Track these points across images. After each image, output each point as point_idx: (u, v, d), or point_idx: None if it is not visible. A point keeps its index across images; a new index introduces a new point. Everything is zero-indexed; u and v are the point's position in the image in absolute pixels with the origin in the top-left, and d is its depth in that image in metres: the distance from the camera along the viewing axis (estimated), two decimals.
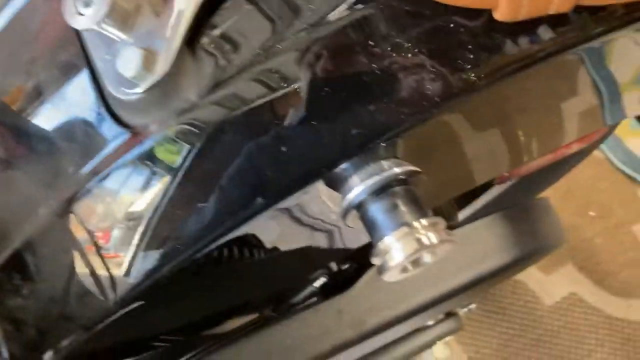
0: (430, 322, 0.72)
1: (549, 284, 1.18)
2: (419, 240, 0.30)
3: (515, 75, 0.30)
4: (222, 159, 0.31)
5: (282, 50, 0.30)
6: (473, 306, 0.78)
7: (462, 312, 0.75)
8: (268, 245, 0.38)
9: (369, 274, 0.52)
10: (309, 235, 0.39)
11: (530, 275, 1.18)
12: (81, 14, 0.30)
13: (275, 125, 0.31)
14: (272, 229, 0.37)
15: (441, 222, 0.32)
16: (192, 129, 0.30)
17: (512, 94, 0.35)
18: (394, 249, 0.30)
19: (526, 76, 0.31)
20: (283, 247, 0.40)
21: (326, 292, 0.52)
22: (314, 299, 0.52)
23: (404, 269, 0.32)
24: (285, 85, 0.30)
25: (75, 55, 0.32)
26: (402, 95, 0.31)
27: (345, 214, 0.33)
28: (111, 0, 0.29)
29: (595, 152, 1.41)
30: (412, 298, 0.55)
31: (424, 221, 0.31)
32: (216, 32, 0.30)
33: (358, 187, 0.32)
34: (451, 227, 0.68)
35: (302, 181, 0.32)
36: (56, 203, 0.33)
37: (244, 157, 0.30)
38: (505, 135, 0.40)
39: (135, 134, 0.31)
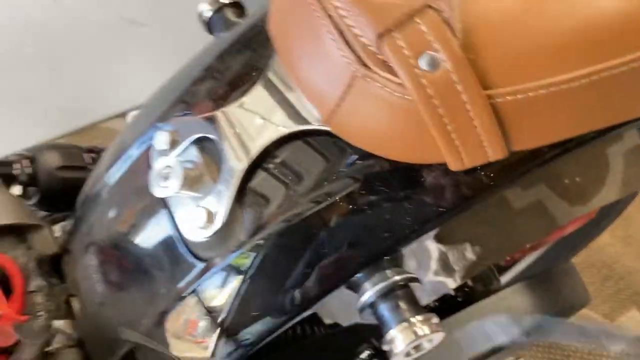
0: None
1: None
2: (415, 333, 0.41)
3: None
4: (267, 276, 0.43)
5: (302, 202, 0.42)
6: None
7: None
8: (323, 325, 0.50)
9: None
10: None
11: (595, 323, 1.21)
12: (163, 187, 0.43)
13: (304, 251, 0.43)
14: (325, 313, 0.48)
15: (433, 317, 0.42)
16: (243, 260, 0.43)
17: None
18: (397, 339, 0.41)
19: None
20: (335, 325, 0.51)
21: None
22: None
23: (408, 354, 0.42)
24: (306, 224, 0.42)
25: (162, 210, 0.46)
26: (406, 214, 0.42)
27: (361, 310, 0.44)
28: (182, 175, 0.43)
29: None
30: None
31: (419, 317, 0.41)
32: (253, 193, 0.43)
33: (369, 291, 0.43)
34: (493, 290, 0.76)
35: (332, 286, 0.43)
36: (154, 316, 0.46)
37: (289, 270, 0.42)
38: (537, 207, 0.50)
39: (207, 264, 0.44)
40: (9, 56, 1.47)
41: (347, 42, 0.36)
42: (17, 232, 0.58)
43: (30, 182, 0.63)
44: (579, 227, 0.85)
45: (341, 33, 0.36)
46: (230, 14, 0.58)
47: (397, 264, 0.44)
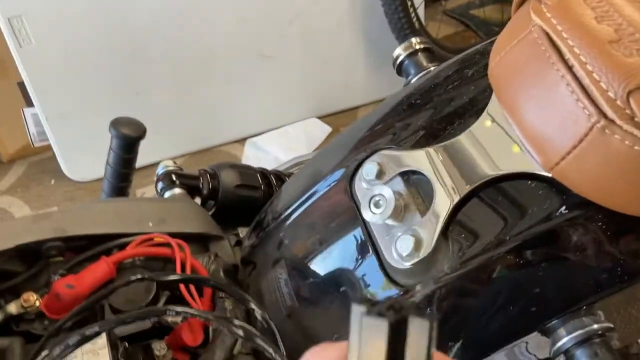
0: None
1: None
2: None
3: None
4: (465, 310, 0.45)
5: (510, 241, 0.43)
6: None
7: None
8: None
9: None
10: None
11: None
12: (374, 213, 0.47)
13: (505, 290, 0.44)
14: None
15: None
16: (445, 289, 0.45)
17: None
18: None
19: None
20: None
21: None
22: None
23: None
24: (515, 263, 0.44)
25: (362, 236, 0.49)
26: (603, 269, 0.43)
27: (555, 356, 0.44)
28: (394, 204, 0.46)
29: None
30: None
31: None
32: (459, 228, 0.45)
33: (565, 338, 0.44)
34: None
35: (530, 329, 0.44)
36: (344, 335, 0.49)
37: (487, 307, 0.44)
38: None
39: (405, 291, 0.46)
40: (144, 79, 1.59)
41: (588, 95, 0.38)
42: (202, 242, 0.62)
43: (210, 196, 0.69)
44: None
45: (581, 86, 0.38)
46: (423, 59, 0.61)
47: (592, 312, 0.45)
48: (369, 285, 0.49)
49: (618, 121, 0.37)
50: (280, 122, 1.76)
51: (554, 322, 0.44)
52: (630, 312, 0.51)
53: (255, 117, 1.76)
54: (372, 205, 0.47)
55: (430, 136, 0.49)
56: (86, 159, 1.64)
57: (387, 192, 0.46)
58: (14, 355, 0.47)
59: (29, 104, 1.58)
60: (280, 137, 1.74)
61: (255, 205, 0.70)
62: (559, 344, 0.44)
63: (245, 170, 0.71)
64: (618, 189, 0.39)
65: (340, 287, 0.50)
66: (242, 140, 1.79)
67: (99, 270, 0.53)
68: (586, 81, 0.38)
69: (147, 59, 1.57)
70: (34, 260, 0.56)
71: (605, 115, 0.37)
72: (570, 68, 0.39)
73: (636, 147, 0.37)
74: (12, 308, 0.52)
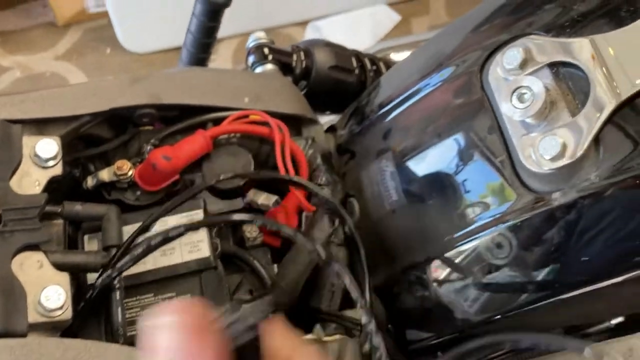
0: None
1: None
2: None
3: None
4: (607, 226, 0.40)
5: None
6: None
7: None
8: None
9: None
10: None
11: None
12: (516, 107, 0.41)
13: None
14: None
15: None
16: (588, 201, 0.40)
17: None
18: None
19: None
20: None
21: (621, 330, 0.58)
22: (608, 333, 0.59)
23: None
24: None
25: (493, 131, 0.43)
26: None
27: None
28: (544, 99, 0.40)
29: None
30: None
31: None
32: (614, 134, 0.39)
33: None
34: None
35: None
36: (461, 235, 0.45)
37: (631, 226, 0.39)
38: None
39: (538, 198, 0.41)
40: None
41: None
42: (295, 124, 0.58)
43: (303, 75, 0.63)
44: None
45: None
46: None
47: None
48: (495, 189, 0.44)
49: None
50: (347, 5, 1.65)
51: None
52: None
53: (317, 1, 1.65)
54: (514, 99, 0.41)
55: (590, 24, 0.42)
56: (144, 29, 1.58)
57: (536, 85, 0.40)
58: (111, 222, 0.45)
59: None
60: (344, 23, 1.64)
61: (348, 90, 0.65)
62: None
63: (341, 51, 0.65)
64: None
65: (458, 187, 0.46)
66: (304, 24, 1.69)
67: (195, 143, 0.49)
68: None
69: None
70: (123, 127, 0.53)
71: None
72: None
73: None
74: (105, 175, 0.49)
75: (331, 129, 0.61)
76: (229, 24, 1.65)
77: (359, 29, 1.62)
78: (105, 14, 1.59)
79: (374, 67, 0.67)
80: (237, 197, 0.52)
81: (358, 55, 0.67)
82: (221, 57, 1.68)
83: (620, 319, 0.59)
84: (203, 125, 0.52)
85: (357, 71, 0.65)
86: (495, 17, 0.49)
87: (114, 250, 0.44)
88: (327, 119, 0.70)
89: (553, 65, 0.42)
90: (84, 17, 1.69)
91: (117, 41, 1.63)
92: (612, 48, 0.40)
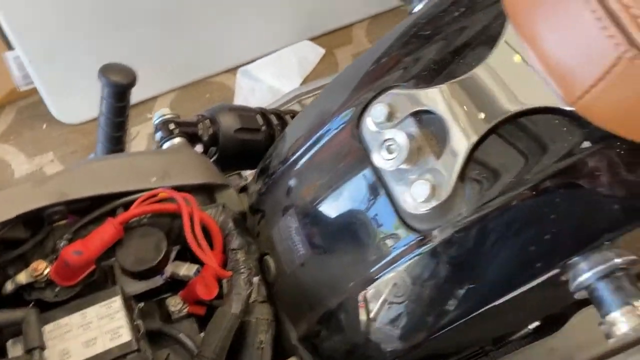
0: None
1: None
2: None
3: None
4: (484, 252, 0.44)
5: (531, 179, 0.42)
6: None
7: None
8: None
9: (577, 317, 0.62)
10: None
11: None
12: (386, 159, 0.44)
13: (526, 229, 0.43)
14: None
15: None
16: (464, 233, 0.44)
17: None
18: (620, 322, 0.41)
19: None
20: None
21: (540, 333, 0.62)
22: (529, 338, 0.63)
23: (626, 335, 0.42)
24: (534, 201, 0.42)
25: (375, 181, 0.47)
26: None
27: (575, 291, 0.44)
28: (408, 149, 0.44)
29: None
30: None
31: None
32: (478, 168, 0.43)
33: (587, 273, 0.43)
34: None
35: (551, 266, 0.44)
36: (362, 280, 0.48)
37: (509, 246, 0.43)
38: None
39: (422, 237, 0.45)
40: (128, 12, 1.51)
41: (615, 20, 0.35)
42: (207, 192, 0.61)
43: (211, 142, 0.66)
44: None
45: (608, 12, 0.35)
46: None
47: (617, 245, 0.44)
48: (384, 233, 0.47)
49: None
50: (272, 47, 1.70)
51: (575, 258, 0.43)
52: None
53: (245, 44, 1.70)
54: (383, 151, 0.45)
55: (443, 71, 0.46)
56: (76, 100, 1.59)
57: (400, 136, 0.44)
58: (30, 325, 0.47)
59: (10, 47, 1.52)
60: (272, 64, 1.69)
61: (258, 147, 0.68)
62: (581, 278, 0.43)
63: (245, 113, 0.69)
64: None
65: (354, 235, 0.49)
66: (234, 70, 1.73)
67: (105, 233, 0.52)
68: (615, 7, 0.35)
69: None
70: (38, 227, 0.55)
71: (635, 44, 0.34)
72: None
73: None
74: (22, 277, 0.51)
75: (245, 189, 0.64)
76: (162, 80, 1.70)
77: (286, 68, 1.66)
78: (36, 90, 1.60)
79: (280, 122, 0.71)
80: (155, 274, 0.54)
81: (263, 112, 0.71)
82: None
83: (537, 323, 0.63)
84: (113, 212, 0.54)
85: (263, 128, 0.69)
86: (368, 71, 0.52)
87: (36, 353, 0.46)
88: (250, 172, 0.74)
89: (416, 114, 0.46)
90: (16, 96, 1.69)
91: (51, 115, 1.64)
92: (462, 92, 0.44)
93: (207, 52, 1.69)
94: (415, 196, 0.44)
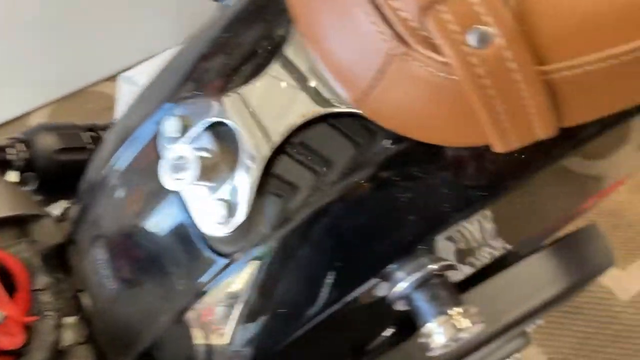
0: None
1: (624, 279, 1.20)
2: (455, 326, 0.38)
3: None
4: (292, 269, 0.40)
5: (331, 189, 0.38)
6: (540, 321, 0.83)
7: (529, 328, 0.81)
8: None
9: None
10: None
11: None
12: (176, 179, 0.40)
13: (333, 242, 0.39)
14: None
15: (472, 308, 0.39)
16: (266, 253, 0.40)
17: None
18: (436, 333, 0.38)
19: None
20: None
21: (396, 339, 0.60)
22: (387, 344, 0.60)
23: (446, 346, 0.40)
24: (337, 213, 0.39)
25: (177, 203, 0.42)
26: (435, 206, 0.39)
27: (393, 301, 0.41)
28: (198, 166, 0.39)
29: None
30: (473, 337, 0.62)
31: (459, 309, 0.39)
32: (276, 182, 0.39)
33: (403, 281, 0.40)
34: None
35: (363, 279, 0.40)
36: (172, 313, 0.43)
37: (316, 262, 0.39)
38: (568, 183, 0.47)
39: (229, 259, 0.41)
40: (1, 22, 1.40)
41: (383, 17, 0.31)
42: (18, 224, 0.54)
43: (27, 167, 0.59)
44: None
45: (376, 6, 0.32)
46: None
47: (431, 251, 0.41)
48: (193, 259, 0.43)
49: (414, 45, 0.31)
50: (151, 51, 1.61)
51: (390, 266, 0.40)
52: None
53: (124, 49, 1.61)
54: (173, 170, 0.40)
55: (234, 78, 0.42)
56: None
57: (187, 152, 0.39)
58: None
59: None
60: (153, 68, 1.60)
61: (84, 169, 0.62)
62: (397, 289, 0.40)
63: (66, 131, 0.62)
64: (428, 121, 0.34)
65: (163, 265, 0.44)
66: (113, 78, 1.64)
67: None
68: (379, 0, 0.31)
69: None
70: None
71: (403, 40, 0.31)
72: None
73: (440, 74, 0.31)
74: None
75: (62, 217, 0.57)
76: (36, 94, 1.58)
77: None
78: None
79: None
80: None
81: (92, 128, 0.64)
82: None
83: (392, 330, 0.60)
84: None
85: (90, 146, 0.62)
86: (170, 76, 0.48)
87: None
88: None
89: (213, 127, 0.42)
90: None
91: None
92: (253, 100, 0.40)
93: (84, 60, 1.59)
94: (213, 218, 0.39)
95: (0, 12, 1.39)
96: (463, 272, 0.50)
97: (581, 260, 0.67)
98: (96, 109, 1.69)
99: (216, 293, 0.43)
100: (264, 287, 0.41)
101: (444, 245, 0.44)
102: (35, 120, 1.60)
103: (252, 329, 0.43)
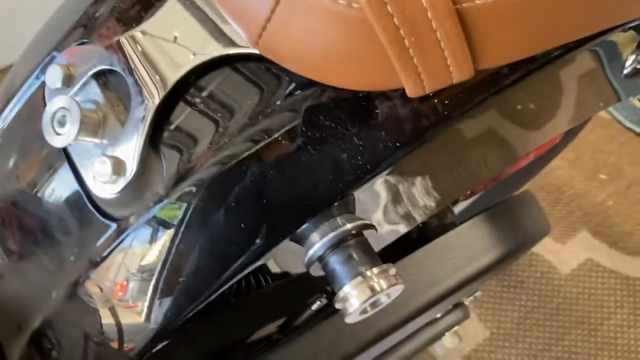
0: (438, 315, 0.77)
1: (565, 252, 1.21)
2: (372, 288, 0.35)
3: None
4: (198, 231, 0.36)
5: (230, 143, 0.34)
6: (478, 293, 0.82)
7: (467, 301, 0.80)
8: (268, 278, 0.44)
9: None
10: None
11: (546, 247, 1.21)
12: (58, 134, 0.35)
13: (239, 200, 0.36)
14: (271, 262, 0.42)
15: (391, 269, 0.36)
16: (170, 213, 0.36)
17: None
18: (352, 296, 0.35)
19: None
20: (279, 280, 0.45)
21: (324, 313, 0.57)
22: (315, 319, 0.57)
23: (364, 311, 0.37)
24: (241, 168, 0.35)
25: (63, 162, 0.38)
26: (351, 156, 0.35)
27: (309, 265, 0.37)
28: (80, 118, 0.35)
29: (602, 114, 1.41)
30: (406, 306, 0.59)
31: (375, 270, 0.36)
32: (173, 134, 0.35)
33: (317, 243, 0.36)
34: (448, 225, 0.72)
35: (275, 240, 0.37)
36: (64, 287, 0.39)
37: (223, 222, 0.35)
38: (494, 139, 0.44)
39: (120, 224, 0.36)
40: None
41: None
42: None
43: None
44: (536, 156, 0.81)
45: None
46: None
47: (348, 209, 0.38)
48: (83, 225, 0.38)
49: None
50: None
51: (304, 227, 0.37)
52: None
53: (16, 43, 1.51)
54: (55, 124, 0.36)
55: (124, 20, 0.37)
56: None
57: (69, 103, 0.35)
58: None
59: None
60: None
61: None
62: (311, 251, 0.36)
63: None
64: (331, 59, 0.30)
65: (51, 234, 0.39)
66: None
67: None
68: None
69: None
70: None
71: None
72: None
73: (340, 2, 0.28)
74: None
75: None
76: None
77: None
78: None
79: None
80: None
81: None
82: None
83: (320, 303, 0.57)
84: None
85: None
86: (54, 30, 0.43)
87: None
88: None
89: (100, 75, 0.37)
90: None
91: None
92: (146, 43, 0.36)
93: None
94: (99, 176, 0.35)
95: None
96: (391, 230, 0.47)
97: (517, 226, 0.65)
98: None
99: (124, 265, 0.39)
100: (173, 254, 0.37)
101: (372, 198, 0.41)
102: None
103: (168, 303, 0.39)
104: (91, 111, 0.35)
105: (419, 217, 0.46)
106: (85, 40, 0.38)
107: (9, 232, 0.41)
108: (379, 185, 0.39)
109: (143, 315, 0.39)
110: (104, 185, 0.35)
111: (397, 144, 0.35)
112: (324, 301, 0.57)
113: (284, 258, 0.42)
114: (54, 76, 0.37)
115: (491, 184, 0.68)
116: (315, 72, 0.31)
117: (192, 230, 0.36)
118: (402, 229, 0.44)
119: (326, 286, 0.58)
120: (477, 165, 0.44)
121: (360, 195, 0.38)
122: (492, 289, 1.17)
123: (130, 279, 0.38)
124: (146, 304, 0.39)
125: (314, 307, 0.57)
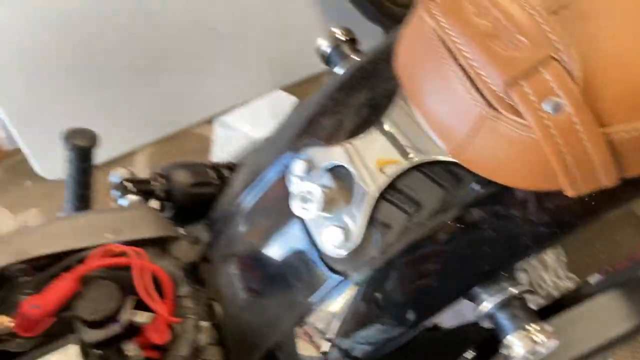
0: None
1: None
2: (532, 339, 0.46)
3: None
4: (391, 289, 0.49)
5: (429, 223, 0.47)
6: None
7: None
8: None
9: None
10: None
11: None
12: (304, 209, 0.50)
13: (429, 266, 0.48)
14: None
15: (547, 326, 0.47)
16: (376, 273, 0.49)
17: None
18: (516, 345, 0.46)
19: None
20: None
21: None
22: None
23: (525, 358, 0.47)
24: (435, 244, 0.48)
25: (300, 229, 0.53)
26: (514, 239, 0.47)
27: (479, 319, 0.49)
28: (322, 199, 0.49)
29: None
30: None
31: (536, 325, 0.46)
32: (385, 214, 0.49)
33: (487, 302, 0.48)
34: (584, 294, 0.79)
35: (452, 298, 0.49)
36: (294, 320, 0.53)
37: (414, 283, 0.48)
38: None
39: (344, 277, 0.50)
40: (104, 71, 1.59)
41: (475, 86, 0.41)
42: (160, 244, 0.66)
43: (166, 198, 0.72)
44: None
45: (469, 78, 0.41)
46: (346, 49, 0.64)
47: (512, 277, 0.49)
48: (311, 276, 0.53)
49: (501, 110, 0.40)
50: (245, 96, 1.77)
51: (477, 289, 0.49)
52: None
53: (220, 94, 1.77)
54: (301, 201, 0.51)
55: (349, 130, 0.52)
56: (58, 156, 1.64)
57: (313, 188, 0.50)
58: None
59: None
60: (248, 114, 1.76)
61: (211, 200, 0.73)
62: (483, 309, 0.48)
63: (197, 168, 0.74)
64: (514, 169, 0.42)
65: (286, 279, 0.54)
66: (209, 121, 1.80)
67: (60, 286, 0.57)
68: (472, 74, 0.41)
69: (102, 50, 1.57)
70: (1, 283, 0.59)
71: (491, 105, 0.40)
72: (458, 61, 0.42)
73: (522, 133, 0.40)
74: None
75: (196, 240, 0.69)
76: (141, 134, 1.76)
77: (261, 117, 1.74)
78: (20, 149, 1.66)
79: (232, 174, 0.77)
80: (111, 323, 0.59)
81: (215, 166, 0.76)
82: (139, 164, 1.77)
83: (472, 353, 0.67)
84: (70, 267, 0.59)
85: (216, 181, 0.74)
86: (296, 127, 0.59)
87: None
88: None
89: (333, 167, 0.52)
90: (2, 156, 1.76)
91: (34, 173, 1.69)
92: (362, 149, 0.50)
93: (183, 104, 1.76)
94: (332, 241, 0.49)
95: (114, 60, 1.58)
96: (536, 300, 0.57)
97: None
98: (194, 149, 1.86)
99: (320, 310, 0.53)
100: (362, 306, 0.50)
101: (520, 276, 0.52)
102: (139, 158, 1.78)
103: (346, 345, 0.52)
104: (326, 193, 0.50)
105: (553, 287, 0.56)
106: (317, 142, 0.54)
107: (252, 277, 0.57)
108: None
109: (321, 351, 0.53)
110: (334, 248, 0.49)
111: (556, 230, 0.46)
112: (475, 353, 0.68)
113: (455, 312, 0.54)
114: (299, 168, 0.52)
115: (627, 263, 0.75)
116: (503, 178, 0.43)
117: (388, 289, 0.49)
118: (555, 294, 0.55)
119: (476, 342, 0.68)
120: (619, 248, 0.54)
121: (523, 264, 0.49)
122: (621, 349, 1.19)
123: (327, 326, 0.52)
124: (338, 348, 0.52)
125: (467, 355, 0.67)
